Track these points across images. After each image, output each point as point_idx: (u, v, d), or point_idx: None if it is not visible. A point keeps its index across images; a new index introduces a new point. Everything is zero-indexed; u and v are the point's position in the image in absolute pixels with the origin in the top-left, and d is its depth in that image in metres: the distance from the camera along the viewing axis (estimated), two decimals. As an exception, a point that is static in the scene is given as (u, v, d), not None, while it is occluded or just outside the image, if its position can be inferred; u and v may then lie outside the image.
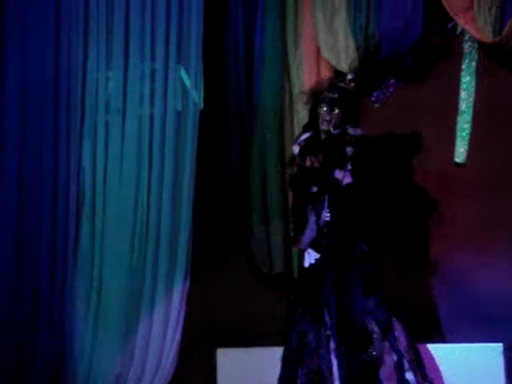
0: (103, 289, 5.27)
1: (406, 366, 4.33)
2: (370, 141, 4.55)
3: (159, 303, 5.21)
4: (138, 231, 5.26)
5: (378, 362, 4.35)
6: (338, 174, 4.45)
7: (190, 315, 5.22)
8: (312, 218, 4.51)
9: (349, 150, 4.48)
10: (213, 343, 5.17)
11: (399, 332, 4.38)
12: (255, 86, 5.40)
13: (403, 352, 4.34)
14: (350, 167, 4.47)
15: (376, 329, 4.36)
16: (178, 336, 5.21)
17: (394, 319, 4.40)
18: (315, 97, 4.59)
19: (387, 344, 4.35)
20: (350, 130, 4.51)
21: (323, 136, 4.55)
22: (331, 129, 4.49)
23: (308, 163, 4.55)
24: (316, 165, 4.50)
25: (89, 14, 5.39)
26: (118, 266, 5.23)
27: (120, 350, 5.17)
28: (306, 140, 4.61)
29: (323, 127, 4.51)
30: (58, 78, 5.40)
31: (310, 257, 4.52)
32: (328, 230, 4.47)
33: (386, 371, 4.33)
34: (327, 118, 4.50)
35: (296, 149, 4.62)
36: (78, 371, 5.22)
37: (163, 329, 5.21)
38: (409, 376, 4.32)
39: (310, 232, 4.52)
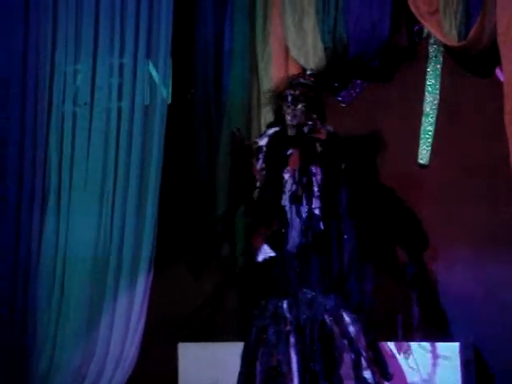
0: (66, 282, 5.27)
1: (364, 364, 4.37)
2: (338, 137, 4.60)
3: (122, 296, 5.22)
4: (102, 224, 5.26)
5: (337, 360, 4.39)
6: (314, 170, 4.50)
7: (152, 309, 5.24)
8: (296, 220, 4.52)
9: (319, 147, 4.53)
10: (174, 337, 5.19)
11: (358, 330, 4.42)
12: (223, 82, 5.44)
13: (361, 350, 4.38)
14: (320, 164, 4.52)
15: (335, 327, 4.40)
16: (140, 329, 5.22)
17: (353, 317, 4.45)
18: (277, 96, 4.65)
19: (346, 342, 4.39)
20: (320, 127, 4.57)
21: (291, 132, 4.59)
22: (297, 122, 4.53)
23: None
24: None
25: (58, 6, 5.40)
26: (82, 259, 5.24)
27: (81, 344, 5.17)
28: (275, 133, 4.64)
29: (291, 122, 4.56)
30: (26, 70, 5.41)
31: (265, 252, 4.54)
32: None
33: (346, 369, 4.37)
34: (292, 113, 4.55)
35: (263, 141, 4.64)
36: (39, 366, 5.22)
37: (125, 322, 5.22)
38: (367, 374, 4.37)
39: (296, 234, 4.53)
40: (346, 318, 4.42)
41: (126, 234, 5.25)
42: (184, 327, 5.33)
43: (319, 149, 4.52)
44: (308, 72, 4.76)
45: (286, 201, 4.51)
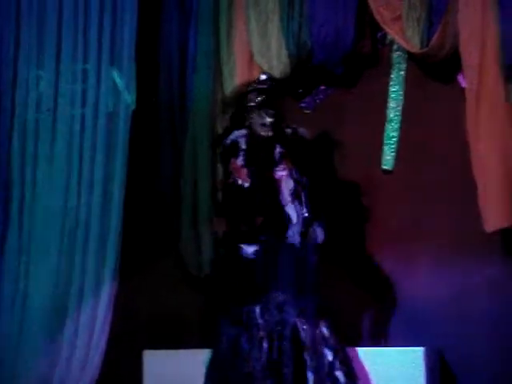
0: (29, 289, 5.21)
1: (337, 365, 4.40)
2: (304, 139, 4.62)
3: (86, 303, 5.18)
4: (66, 233, 5.22)
5: (309, 363, 4.39)
6: (280, 173, 4.50)
7: (117, 316, 5.20)
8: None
9: (282, 148, 4.54)
10: (140, 345, 5.17)
11: (331, 333, 4.43)
12: (188, 90, 5.43)
13: (334, 352, 4.40)
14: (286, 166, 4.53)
15: (307, 329, 4.40)
16: (104, 336, 5.17)
17: (323, 322, 4.46)
18: (236, 103, 4.65)
19: (318, 344, 4.39)
20: (287, 130, 4.58)
21: (265, 133, 4.59)
22: (270, 133, 4.54)
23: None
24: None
25: (20, 11, 5.34)
26: (45, 268, 5.18)
27: (45, 350, 5.12)
28: (248, 134, 4.63)
29: (263, 133, 4.56)
30: (-13, 76, 5.36)
31: (246, 252, 4.53)
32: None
33: (318, 371, 4.38)
34: (266, 126, 4.55)
35: (241, 139, 4.62)
36: (2, 374, 5.17)
37: (90, 329, 5.17)
38: (339, 375, 4.39)
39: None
40: (318, 321, 4.43)
41: (90, 241, 5.21)
42: (149, 335, 5.31)
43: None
44: (262, 77, 4.75)
45: (286, 200, 4.50)
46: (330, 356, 4.39)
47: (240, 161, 4.56)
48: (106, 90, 5.28)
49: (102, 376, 5.17)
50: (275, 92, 4.67)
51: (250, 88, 4.66)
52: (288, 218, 4.48)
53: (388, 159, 5.23)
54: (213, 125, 5.33)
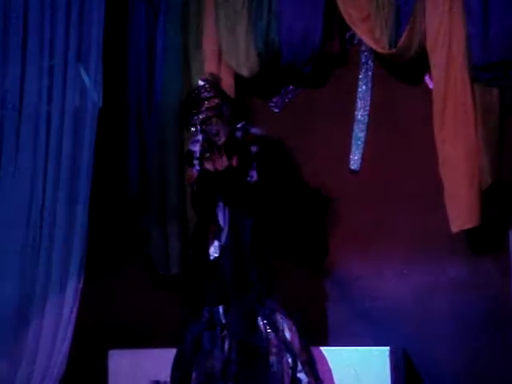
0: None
1: (299, 367, 4.40)
2: (270, 140, 4.62)
3: (51, 301, 5.13)
4: (31, 231, 5.17)
5: (269, 365, 4.39)
6: (252, 174, 4.50)
7: (82, 315, 5.16)
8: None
9: (254, 148, 4.53)
10: (105, 344, 5.13)
11: (294, 334, 4.43)
12: (156, 87, 5.39)
13: (296, 353, 4.40)
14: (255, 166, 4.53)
15: (270, 331, 4.41)
16: (69, 336, 5.12)
17: (288, 322, 4.45)
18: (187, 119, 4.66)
19: (281, 345, 4.39)
20: (253, 130, 4.57)
21: (221, 141, 4.57)
22: (223, 139, 4.53)
23: (211, 166, 4.56)
24: (220, 167, 4.52)
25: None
26: (9, 266, 5.13)
27: (7, 352, 5.07)
28: (205, 140, 4.61)
29: (219, 142, 4.55)
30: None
31: (213, 252, 4.53)
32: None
33: (280, 373, 4.38)
34: (213, 131, 4.54)
35: (196, 147, 4.60)
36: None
37: (54, 329, 5.12)
38: (301, 376, 4.39)
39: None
40: (281, 322, 4.43)
41: (55, 240, 5.16)
42: (115, 334, 5.28)
43: (254, 149, 4.52)
44: (200, 83, 4.71)
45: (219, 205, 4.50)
46: (291, 359, 4.38)
47: (195, 170, 4.56)
48: (72, 87, 5.24)
49: (66, 377, 5.13)
50: (218, 95, 4.63)
51: (191, 96, 4.65)
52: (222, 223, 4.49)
53: (355, 159, 5.24)
54: (181, 123, 5.30)
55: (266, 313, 4.44)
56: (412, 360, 4.97)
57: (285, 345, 4.39)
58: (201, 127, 4.54)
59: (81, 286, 5.17)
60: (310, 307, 5.00)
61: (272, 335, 4.40)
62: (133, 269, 5.40)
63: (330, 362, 4.70)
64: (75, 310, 5.15)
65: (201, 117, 4.57)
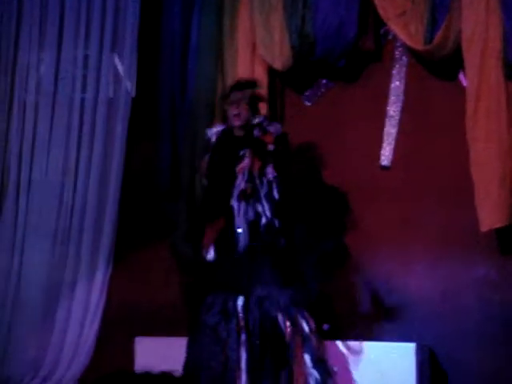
0: (23, 269, 5.22)
1: (313, 363, 4.39)
2: (287, 138, 4.62)
3: (80, 288, 5.19)
4: (62, 216, 5.22)
5: (288, 358, 4.39)
6: (265, 170, 4.50)
7: (110, 302, 5.21)
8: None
9: (271, 147, 4.54)
10: (132, 331, 5.17)
11: (311, 328, 4.43)
12: (189, 78, 5.41)
13: (313, 349, 4.39)
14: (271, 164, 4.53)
15: (288, 325, 4.40)
16: (97, 321, 5.20)
17: (306, 315, 4.46)
18: (223, 100, 4.67)
19: (298, 340, 4.40)
20: (271, 128, 4.58)
21: (238, 133, 4.59)
22: (240, 123, 4.53)
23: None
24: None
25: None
26: (40, 253, 5.19)
27: (37, 333, 5.13)
28: (223, 131, 4.63)
29: (235, 123, 4.56)
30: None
31: (211, 253, 4.53)
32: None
33: (296, 367, 4.38)
34: (235, 112, 4.55)
35: (213, 136, 4.63)
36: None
37: (82, 314, 5.20)
38: (315, 372, 4.38)
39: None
40: (300, 316, 4.43)
41: (85, 226, 5.21)
42: (141, 321, 5.31)
43: (271, 147, 4.52)
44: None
45: (234, 200, 4.50)
46: (308, 355, 4.39)
47: (207, 159, 4.58)
48: (106, 76, 5.28)
49: (93, 361, 5.18)
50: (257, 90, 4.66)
51: (234, 85, 4.67)
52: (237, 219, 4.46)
53: (386, 155, 5.23)
54: (212, 114, 5.32)
55: (284, 305, 4.43)
56: (437, 357, 4.98)
57: (301, 340, 4.39)
58: (233, 103, 4.54)
59: (109, 271, 5.22)
60: (337, 301, 5.01)
61: (290, 329, 4.40)
62: (160, 256, 5.42)
63: (355, 358, 4.71)
64: (103, 296, 5.21)
65: (237, 94, 4.58)
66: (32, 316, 5.16)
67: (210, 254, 4.51)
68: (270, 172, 4.49)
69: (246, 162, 4.47)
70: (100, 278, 5.21)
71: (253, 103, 4.59)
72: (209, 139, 4.63)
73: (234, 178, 4.48)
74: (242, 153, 4.50)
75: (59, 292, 5.19)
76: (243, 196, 4.45)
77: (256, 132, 4.54)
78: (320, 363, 4.38)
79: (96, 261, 5.22)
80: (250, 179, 4.46)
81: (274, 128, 4.56)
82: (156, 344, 5.07)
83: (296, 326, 4.40)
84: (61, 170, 5.25)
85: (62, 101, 5.27)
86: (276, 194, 4.47)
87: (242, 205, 4.45)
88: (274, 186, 4.48)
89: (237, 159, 4.49)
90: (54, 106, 5.29)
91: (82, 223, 5.22)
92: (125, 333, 5.22)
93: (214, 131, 4.66)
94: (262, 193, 4.46)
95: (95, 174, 5.24)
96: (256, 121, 4.56)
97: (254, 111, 4.58)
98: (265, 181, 4.48)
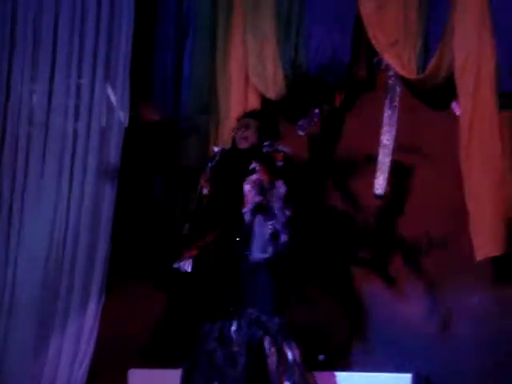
0: (14, 301, 5.16)
1: None
2: (293, 159, 4.63)
3: (72, 319, 5.13)
4: (54, 247, 5.18)
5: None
6: (277, 184, 4.50)
7: (103, 333, 5.16)
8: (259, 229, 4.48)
9: (280, 163, 4.54)
10: (125, 363, 5.12)
11: (296, 356, 4.38)
12: (182, 106, 5.41)
13: (297, 377, 4.34)
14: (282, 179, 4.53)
15: (273, 350, 4.36)
16: (89, 354, 5.13)
17: (293, 345, 4.41)
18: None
19: (281, 369, 4.35)
20: (281, 147, 4.59)
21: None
22: (247, 146, 4.54)
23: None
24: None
25: (16, 24, 5.32)
26: (32, 282, 5.14)
27: (29, 367, 5.07)
28: (227, 150, 4.63)
29: (242, 145, 4.57)
30: (-20, 88, 5.32)
31: (185, 265, 4.50)
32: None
33: None
34: (243, 134, 4.56)
35: (218, 153, 4.64)
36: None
37: (74, 346, 5.13)
38: None
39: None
40: (286, 343, 4.38)
41: (78, 257, 5.17)
42: (134, 353, 5.26)
43: (280, 164, 4.53)
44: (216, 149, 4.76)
45: (247, 213, 4.46)
46: (294, 379, 4.32)
47: (207, 171, 4.57)
48: (99, 106, 5.27)
49: (85, 394, 5.12)
50: (263, 116, 4.68)
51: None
52: (251, 232, 4.43)
53: (380, 184, 5.22)
54: (206, 142, 5.30)
55: (272, 330, 4.39)
56: (434, 387, 4.96)
57: (286, 366, 4.34)
58: (240, 127, 4.59)
59: (102, 302, 5.17)
60: (333, 332, 4.98)
61: (274, 354, 4.36)
62: (153, 289, 5.38)
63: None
64: (96, 327, 5.15)
65: (244, 119, 4.64)
66: (23, 350, 5.09)
67: (187, 267, 4.47)
68: (281, 187, 4.48)
69: (257, 175, 4.46)
70: (93, 307, 5.15)
71: (261, 133, 4.60)
72: (214, 154, 4.63)
73: (239, 190, 4.45)
74: (252, 166, 4.50)
75: (51, 324, 5.12)
76: (259, 209, 4.42)
77: (266, 148, 4.55)
78: None
79: (89, 290, 5.17)
80: (262, 192, 4.45)
81: (282, 147, 4.58)
82: (149, 376, 5.02)
83: (281, 353, 4.35)
84: (53, 200, 5.22)
85: (54, 131, 5.25)
86: (288, 211, 4.46)
87: (258, 218, 4.43)
88: (287, 201, 4.47)
89: (243, 171, 4.49)
90: (46, 137, 5.26)
91: (74, 252, 5.18)
92: (118, 364, 5.17)
93: (219, 149, 4.66)
94: (276, 208, 4.46)
95: (87, 205, 5.20)
96: (266, 143, 4.58)
97: (261, 140, 4.59)
98: (276, 196, 4.47)
